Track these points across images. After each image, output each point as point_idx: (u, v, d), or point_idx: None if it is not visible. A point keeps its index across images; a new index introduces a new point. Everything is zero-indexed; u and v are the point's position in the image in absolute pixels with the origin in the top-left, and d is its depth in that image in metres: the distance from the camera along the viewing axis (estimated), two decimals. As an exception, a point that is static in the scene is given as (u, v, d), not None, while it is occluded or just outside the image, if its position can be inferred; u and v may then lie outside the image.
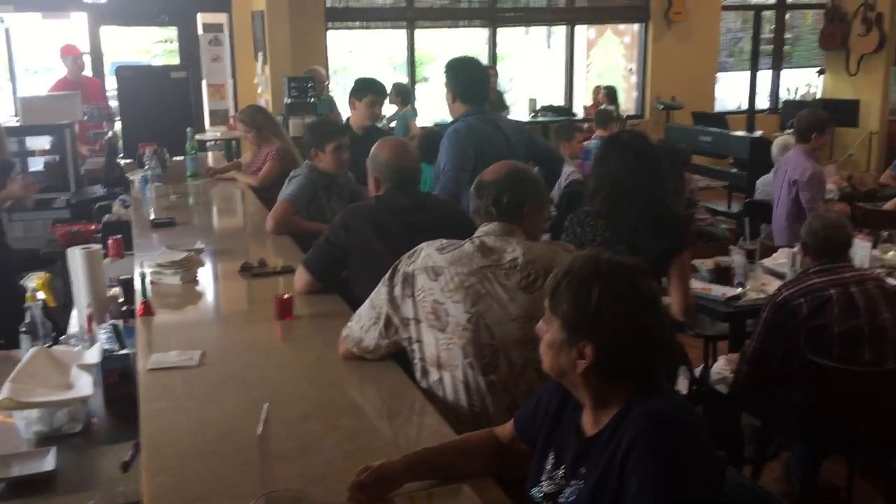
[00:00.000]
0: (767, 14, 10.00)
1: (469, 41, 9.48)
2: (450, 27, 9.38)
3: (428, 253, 2.26)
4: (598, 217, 3.09)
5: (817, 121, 5.10)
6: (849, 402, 3.01)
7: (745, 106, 8.94)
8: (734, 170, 7.88)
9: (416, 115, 8.37)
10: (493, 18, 9.21)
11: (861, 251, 4.06)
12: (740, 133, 8.02)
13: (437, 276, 2.20)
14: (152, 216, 4.23)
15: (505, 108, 8.72)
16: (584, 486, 1.55)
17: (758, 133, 8.23)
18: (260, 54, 8.67)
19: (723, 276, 3.97)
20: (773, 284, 3.81)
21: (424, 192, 3.17)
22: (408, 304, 2.24)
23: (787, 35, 10.63)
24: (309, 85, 7.34)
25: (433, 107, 8.92)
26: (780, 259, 4.17)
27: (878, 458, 3.11)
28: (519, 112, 9.22)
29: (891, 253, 4.14)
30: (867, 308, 3.06)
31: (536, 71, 9.98)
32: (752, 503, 1.74)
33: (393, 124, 8.38)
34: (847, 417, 3.05)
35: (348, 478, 1.65)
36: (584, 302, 1.53)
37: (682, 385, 3.57)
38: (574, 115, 9.30)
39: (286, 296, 2.70)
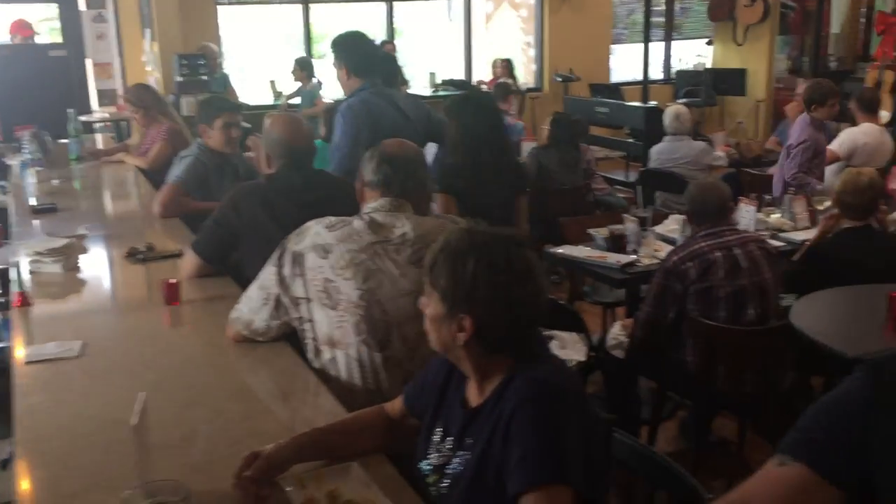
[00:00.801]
0: (658, -14, 10.24)
1: (366, 16, 9.36)
2: (346, 2, 9.23)
3: (317, 231, 2.22)
4: (463, 167, 3.72)
5: (816, 92, 5.27)
6: (735, 360, 3.14)
7: (639, 77, 9.12)
8: (630, 140, 8.05)
9: (321, 89, 8.24)
10: (388, -8, 9.12)
11: (746, 215, 4.22)
12: (635, 103, 8.19)
13: (327, 253, 2.17)
14: (33, 202, 4.03)
15: (405, 82, 8.66)
16: (470, 456, 1.56)
17: (652, 103, 8.42)
18: (147, 31, 8.34)
19: (617, 243, 4.06)
20: (666, 250, 3.91)
21: (318, 169, 3.11)
22: (298, 283, 2.20)
23: (678, 6, 10.90)
24: (201, 62, 7.12)
25: (332, 83, 8.79)
26: (672, 226, 4.29)
27: (764, 411, 3.24)
28: (419, 86, 9.19)
29: (774, 216, 4.32)
30: (750, 269, 3.18)
31: (435, 45, 9.94)
32: (645, 466, 1.78)
33: (296, 100, 8.22)
34: (734, 374, 3.18)
35: (235, 463, 1.61)
36: (460, 274, 1.53)
37: (581, 352, 3.64)
38: (473, 87, 9.31)
39: (173, 280, 2.61)
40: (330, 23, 9.17)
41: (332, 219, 2.24)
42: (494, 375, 1.58)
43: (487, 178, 3.76)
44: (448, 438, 1.64)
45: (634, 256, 3.88)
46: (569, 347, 3.77)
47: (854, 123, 5.65)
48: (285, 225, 2.55)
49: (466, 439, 1.59)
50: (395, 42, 8.89)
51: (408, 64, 8.93)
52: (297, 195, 2.78)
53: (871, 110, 5.61)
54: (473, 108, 3.88)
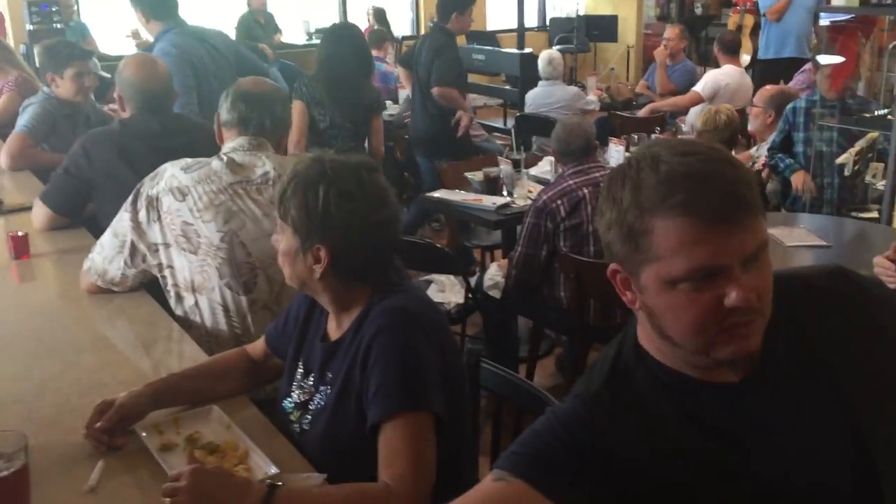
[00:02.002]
0: (531, -67, 10.23)
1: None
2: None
3: (172, 173, 2.12)
4: (318, 82, 4.00)
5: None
6: (605, 293, 3.22)
7: (514, 24, 9.14)
8: (507, 86, 8.08)
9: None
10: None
11: (616, 154, 4.33)
12: (511, 50, 8.21)
13: (184, 196, 2.07)
14: None
15: (277, 31, 8.41)
16: (331, 390, 1.54)
17: (527, 50, 8.47)
18: (-7, -24, 7.73)
19: (492, 186, 4.09)
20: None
21: (178, 113, 2.97)
22: (154, 228, 2.10)
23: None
24: (53, 9, 6.67)
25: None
26: (545, 167, 4.36)
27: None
28: (294, 35, 8.92)
29: (641, 154, 4.43)
30: (617, 203, 3.26)
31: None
32: (512, 392, 1.80)
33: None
34: (605, 307, 3.27)
35: (87, 413, 1.53)
36: (312, 204, 1.49)
37: (459, 294, 3.67)
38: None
39: (20, 233, 2.45)
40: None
41: (189, 160, 2.15)
42: (353, 307, 1.56)
43: (344, 95, 3.98)
44: (310, 374, 1.61)
45: (509, 198, 3.92)
46: (448, 290, 3.80)
47: (718, 67, 5.86)
48: (142, 172, 2.42)
49: (328, 374, 1.57)
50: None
51: (280, 12, 8.64)
52: (154, 140, 2.64)
53: (732, 52, 5.82)
54: (340, 31, 4.22)
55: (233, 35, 8.05)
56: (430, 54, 4.86)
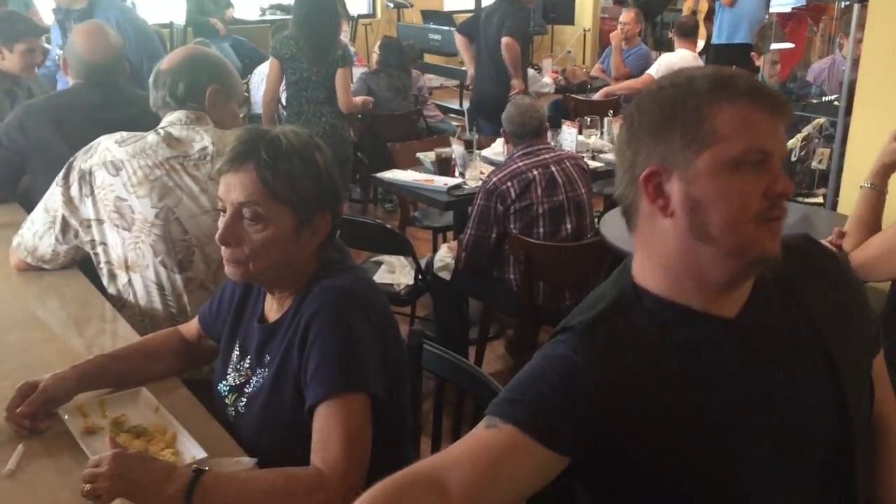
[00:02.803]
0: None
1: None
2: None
3: (106, 146, 2.04)
4: (291, 38, 4.34)
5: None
6: (554, 275, 3.22)
7: (472, 5, 9.06)
8: (463, 67, 8.02)
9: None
10: None
11: (569, 136, 4.31)
12: (468, 31, 8.15)
13: (118, 170, 2.00)
14: None
15: (229, 6, 8.23)
16: (268, 373, 1.49)
17: (485, 31, 8.42)
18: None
19: (444, 166, 4.05)
20: (491, 172, 3.95)
21: (123, 87, 2.86)
22: (87, 203, 2.02)
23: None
24: (-7, -23, 6.41)
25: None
26: (498, 148, 4.32)
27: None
28: (248, 10, 8.74)
29: (593, 137, 4.43)
30: (566, 184, 3.25)
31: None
32: (455, 375, 1.77)
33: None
34: (554, 289, 3.27)
35: (8, 395, 1.47)
36: (315, 172, 1.45)
37: (409, 276, 3.64)
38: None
39: (-55, 208, 2.35)
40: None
41: (125, 134, 2.07)
42: (295, 286, 1.51)
43: (315, 51, 4.31)
44: (246, 357, 1.56)
45: (461, 179, 3.88)
46: (397, 272, 3.76)
47: (673, 50, 5.88)
48: (78, 146, 2.33)
49: (265, 356, 1.52)
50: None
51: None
52: (93, 113, 2.55)
53: (687, 36, 5.84)
54: None
55: (184, 8, 7.89)
56: (502, 20, 5.16)
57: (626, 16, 6.51)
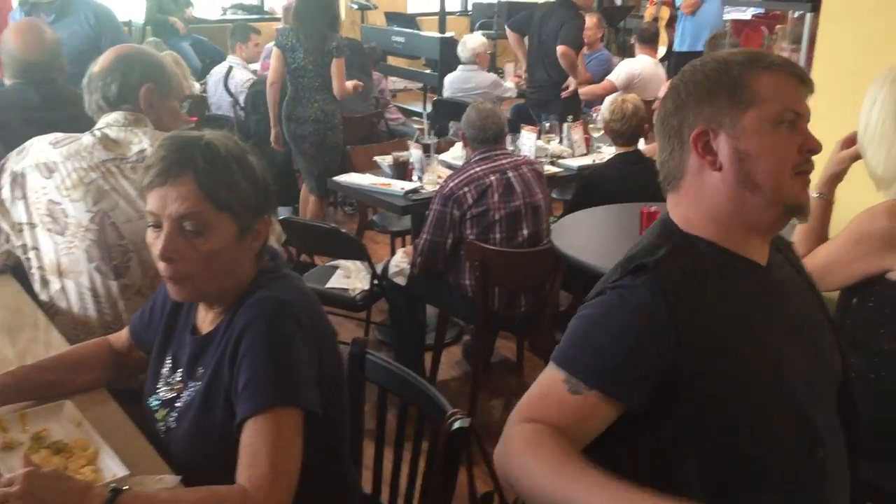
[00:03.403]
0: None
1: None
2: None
3: (39, 148, 1.97)
4: (292, 30, 4.63)
5: None
6: (510, 281, 3.19)
7: (436, 8, 9.04)
8: (427, 70, 7.99)
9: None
10: None
11: (527, 141, 4.29)
12: (431, 34, 8.12)
13: (52, 172, 1.93)
14: None
15: (189, 5, 8.11)
16: (200, 386, 1.43)
17: (449, 34, 8.39)
18: None
19: (401, 170, 4.01)
20: (450, 176, 3.91)
21: (63, 86, 2.77)
22: (19, 206, 1.95)
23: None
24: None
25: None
26: (457, 152, 4.29)
27: (539, 330, 3.33)
28: (207, 10, 8.62)
29: (553, 143, 4.42)
30: (523, 190, 3.22)
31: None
32: (398, 385, 1.72)
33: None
34: (509, 295, 3.23)
35: (-79, 410, 1.40)
36: (252, 175, 1.41)
37: (364, 281, 3.58)
38: (267, 13, 8.87)
39: None
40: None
41: (60, 135, 2.00)
42: (229, 297, 1.45)
43: (311, 43, 4.57)
44: (178, 370, 1.50)
45: (418, 183, 3.84)
46: (353, 276, 3.71)
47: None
48: (14, 146, 2.26)
49: (198, 369, 1.46)
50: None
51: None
52: (31, 113, 2.48)
53: (647, 42, 5.85)
54: None
55: (143, 7, 7.76)
56: (558, 24, 5.38)
57: (588, 21, 6.49)
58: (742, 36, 3.76)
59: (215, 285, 1.42)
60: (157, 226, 1.38)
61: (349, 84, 4.78)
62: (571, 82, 5.50)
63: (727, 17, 3.94)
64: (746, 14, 3.98)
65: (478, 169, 3.21)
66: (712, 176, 1.20)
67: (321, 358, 1.40)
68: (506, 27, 6.15)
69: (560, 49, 5.34)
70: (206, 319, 1.49)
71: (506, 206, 3.18)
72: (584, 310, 1.21)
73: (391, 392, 1.74)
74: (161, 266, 1.39)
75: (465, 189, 3.17)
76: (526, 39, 5.81)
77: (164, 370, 1.52)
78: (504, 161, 3.25)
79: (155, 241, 1.38)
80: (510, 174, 3.21)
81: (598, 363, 1.14)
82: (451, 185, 3.22)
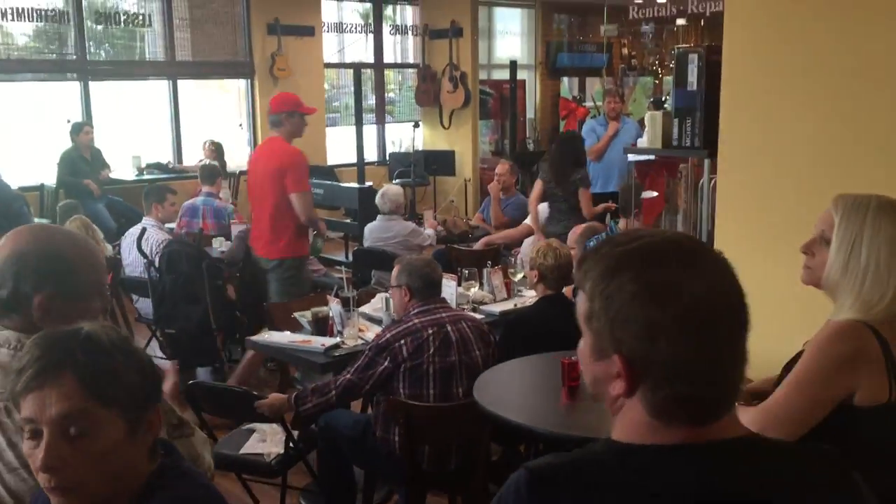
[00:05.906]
0: (367, 72, 10.52)
1: (60, 95, 8.65)
2: (32, 80, 8.43)
3: None
4: None
5: None
6: (438, 438, 3.08)
7: (354, 159, 9.25)
8: (347, 220, 8.07)
9: None
10: (83, 71, 8.50)
11: (448, 289, 4.27)
12: (350, 184, 8.25)
13: None
14: None
15: (105, 166, 8.08)
16: None
17: (368, 184, 8.54)
18: None
19: (321, 326, 3.92)
20: (372, 330, 3.84)
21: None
22: None
23: (389, 93, 11.30)
24: None
25: None
26: (378, 304, 4.23)
27: (470, 486, 3.20)
28: (124, 171, 8.59)
29: (473, 290, 4.42)
30: (459, 346, 3.17)
31: (141, 127, 9.38)
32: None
33: None
34: (440, 452, 3.12)
35: None
36: (139, 365, 1.32)
37: (279, 444, 3.40)
38: (185, 171, 8.88)
39: None
40: (9, 102, 8.34)
41: None
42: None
43: None
44: None
45: (338, 339, 3.75)
46: (269, 440, 3.53)
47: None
48: None
49: None
50: (94, 123, 8.26)
51: (109, 148, 8.32)
52: None
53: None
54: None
55: (55, 171, 7.68)
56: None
57: (501, 167, 6.73)
58: (647, 179, 3.91)
59: (106, 490, 1.28)
60: (35, 435, 1.24)
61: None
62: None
63: (631, 158, 4.10)
64: (648, 156, 4.16)
65: (416, 321, 3.16)
66: None
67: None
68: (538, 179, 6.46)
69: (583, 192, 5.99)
70: None
71: (441, 360, 3.12)
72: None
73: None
74: (42, 478, 1.24)
75: (402, 341, 3.11)
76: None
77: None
78: (444, 314, 3.22)
79: (34, 452, 1.23)
80: (449, 328, 3.17)
81: None
82: (388, 336, 3.15)
